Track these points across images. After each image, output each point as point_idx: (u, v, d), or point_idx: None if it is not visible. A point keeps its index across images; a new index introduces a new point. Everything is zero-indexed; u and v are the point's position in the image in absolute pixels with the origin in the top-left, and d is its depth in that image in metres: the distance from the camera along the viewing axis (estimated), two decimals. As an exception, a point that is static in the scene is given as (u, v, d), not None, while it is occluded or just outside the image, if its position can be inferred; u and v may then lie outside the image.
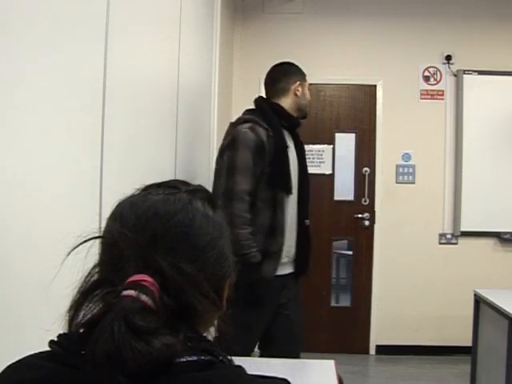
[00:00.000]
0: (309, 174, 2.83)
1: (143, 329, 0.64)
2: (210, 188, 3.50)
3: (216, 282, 0.78)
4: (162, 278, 0.70)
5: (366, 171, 4.73)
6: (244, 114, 2.65)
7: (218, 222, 0.81)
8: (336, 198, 4.75)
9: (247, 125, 2.52)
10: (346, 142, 4.78)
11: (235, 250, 2.07)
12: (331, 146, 4.73)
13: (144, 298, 0.66)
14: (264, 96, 2.76)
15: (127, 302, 0.66)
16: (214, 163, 2.65)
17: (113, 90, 1.65)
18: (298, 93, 2.71)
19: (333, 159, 4.73)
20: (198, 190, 0.83)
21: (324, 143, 4.74)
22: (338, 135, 4.76)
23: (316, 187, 4.73)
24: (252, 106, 2.70)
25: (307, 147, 4.69)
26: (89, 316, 0.70)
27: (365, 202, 4.72)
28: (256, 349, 4.38)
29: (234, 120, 2.67)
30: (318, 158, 4.73)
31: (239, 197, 2.45)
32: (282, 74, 2.73)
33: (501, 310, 2.89)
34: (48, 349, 0.74)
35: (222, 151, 2.55)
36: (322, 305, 4.71)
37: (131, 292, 0.67)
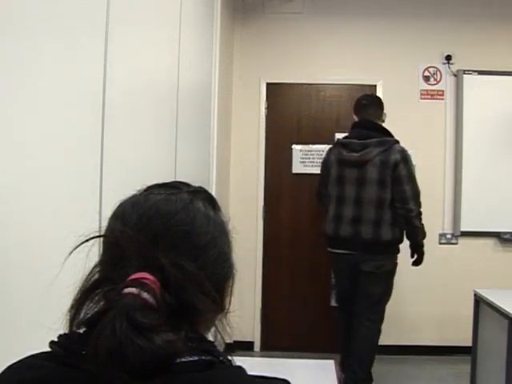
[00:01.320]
0: None
1: (145, 325, 0.64)
2: (210, 189, 3.51)
3: (217, 282, 0.78)
4: (163, 276, 0.70)
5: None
6: (372, 132, 3.56)
7: (219, 222, 0.82)
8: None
9: (401, 145, 3.54)
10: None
11: (423, 235, 3.32)
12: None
13: (145, 295, 0.67)
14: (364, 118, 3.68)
15: (128, 300, 0.66)
16: (375, 174, 3.46)
17: (113, 90, 1.65)
18: (385, 120, 3.74)
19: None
20: (199, 191, 0.84)
21: (324, 143, 4.73)
22: (338, 135, 4.75)
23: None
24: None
25: (308, 147, 4.71)
26: (90, 314, 0.70)
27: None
28: (258, 349, 4.50)
29: (380, 138, 3.52)
30: (318, 158, 4.72)
31: (420, 198, 3.49)
32: (382, 105, 3.73)
33: (501, 309, 2.90)
34: (49, 349, 0.74)
35: (396, 165, 3.43)
36: (322, 305, 4.70)
37: (132, 290, 0.67)
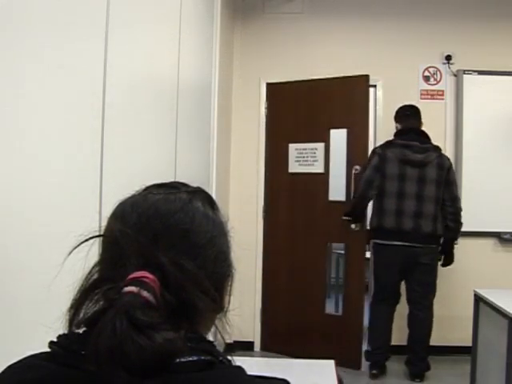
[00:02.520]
0: None
1: (145, 323, 0.64)
2: (210, 189, 3.51)
3: (216, 281, 0.78)
4: (162, 275, 0.70)
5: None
6: (424, 138, 4.06)
7: (218, 222, 0.82)
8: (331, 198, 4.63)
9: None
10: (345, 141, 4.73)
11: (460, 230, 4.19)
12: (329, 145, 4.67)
13: (145, 293, 0.67)
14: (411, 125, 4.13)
15: (128, 298, 0.66)
16: (434, 175, 3.96)
17: (113, 89, 1.65)
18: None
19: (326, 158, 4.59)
20: (198, 191, 0.84)
21: (321, 141, 4.64)
22: (332, 131, 4.65)
23: (315, 187, 4.63)
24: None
25: (306, 146, 4.61)
26: (90, 313, 0.70)
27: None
28: (257, 349, 4.50)
29: (432, 144, 4.06)
30: (311, 157, 4.62)
31: None
32: (421, 115, 4.18)
33: (501, 309, 2.90)
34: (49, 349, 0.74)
35: (449, 169, 4.01)
36: (317, 308, 4.68)
37: (132, 288, 0.67)
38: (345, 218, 4.24)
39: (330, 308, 4.67)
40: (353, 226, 4.27)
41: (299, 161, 4.60)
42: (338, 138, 4.48)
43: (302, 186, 4.59)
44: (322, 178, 4.51)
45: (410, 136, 4.04)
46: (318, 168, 4.52)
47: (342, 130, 4.47)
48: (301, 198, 4.61)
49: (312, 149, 4.54)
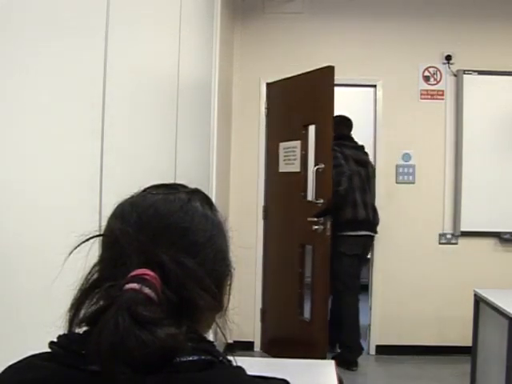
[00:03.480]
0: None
1: (147, 319, 0.65)
2: (210, 190, 3.50)
3: (216, 279, 0.79)
4: (163, 272, 0.71)
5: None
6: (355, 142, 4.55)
7: (217, 222, 0.83)
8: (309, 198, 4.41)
9: None
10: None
11: None
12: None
13: (147, 290, 0.67)
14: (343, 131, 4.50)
15: (130, 294, 0.66)
16: (370, 173, 4.52)
17: (113, 89, 1.65)
18: None
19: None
20: (196, 192, 0.85)
21: (298, 139, 4.54)
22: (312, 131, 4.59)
23: (294, 186, 4.45)
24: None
25: (289, 144, 4.49)
26: (91, 311, 0.70)
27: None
28: (257, 349, 4.50)
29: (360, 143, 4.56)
30: (292, 156, 4.52)
31: None
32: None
33: (501, 309, 2.90)
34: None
35: (373, 168, 4.57)
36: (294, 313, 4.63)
37: (134, 285, 0.67)
38: (318, 218, 4.06)
39: (307, 312, 4.32)
40: (316, 227, 4.07)
41: (285, 160, 4.45)
42: (311, 134, 4.30)
43: (287, 185, 4.45)
44: (300, 178, 4.30)
45: (350, 139, 4.49)
46: (296, 167, 4.32)
47: (312, 127, 4.30)
48: (285, 197, 4.50)
49: (293, 147, 4.35)
